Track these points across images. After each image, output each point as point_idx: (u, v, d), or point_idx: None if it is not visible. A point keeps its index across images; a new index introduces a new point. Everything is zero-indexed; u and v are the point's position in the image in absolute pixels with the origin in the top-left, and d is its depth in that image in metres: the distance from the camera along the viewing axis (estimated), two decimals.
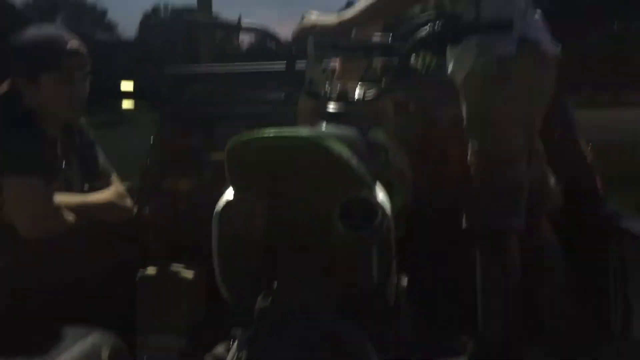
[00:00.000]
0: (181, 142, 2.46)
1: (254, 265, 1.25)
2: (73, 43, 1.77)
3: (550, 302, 1.85)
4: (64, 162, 1.84)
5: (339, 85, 1.55)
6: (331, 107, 1.47)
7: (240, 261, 1.24)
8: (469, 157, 1.74)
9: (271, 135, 1.11)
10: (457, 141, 1.79)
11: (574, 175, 2.05)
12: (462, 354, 1.81)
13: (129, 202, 1.96)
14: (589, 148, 2.12)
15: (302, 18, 1.59)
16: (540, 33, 1.70)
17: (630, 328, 1.66)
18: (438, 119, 2.17)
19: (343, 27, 1.57)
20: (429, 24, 1.48)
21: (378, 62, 1.76)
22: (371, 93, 1.53)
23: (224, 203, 1.20)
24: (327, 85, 1.53)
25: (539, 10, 1.76)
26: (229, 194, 1.20)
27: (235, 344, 1.22)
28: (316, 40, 1.53)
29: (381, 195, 1.20)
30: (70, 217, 1.70)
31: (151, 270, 1.98)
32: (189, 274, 1.96)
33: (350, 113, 1.46)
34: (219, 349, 1.52)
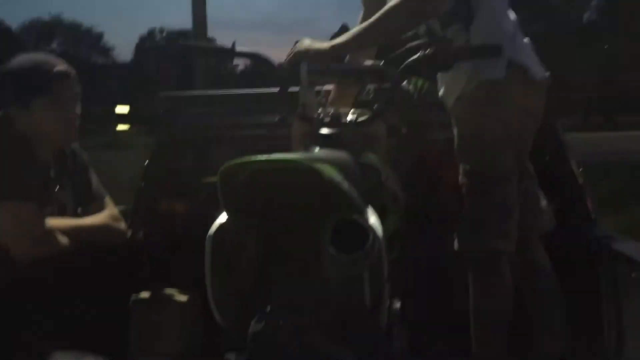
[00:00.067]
0: (175, 165, 2.47)
1: (247, 289, 1.25)
2: (61, 66, 1.78)
3: (544, 324, 1.85)
4: (57, 186, 1.84)
5: (332, 109, 1.57)
6: (324, 130, 1.49)
7: (233, 285, 1.24)
8: (459, 179, 1.75)
9: (263, 159, 1.13)
10: (449, 163, 1.80)
11: (565, 197, 2.07)
12: None
13: (122, 225, 1.96)
14: (580, 170, 2.14)
15: (296, 43, 1.61)
16: (529, 57, 1.73)
17: (623, 350, 1.66)
18: (430, 142, 2.19)
19: (335, 53, 1.59)
20: (420, 50, 1.50)
21: (371, 87, 1.79)
22: (364, 117, 1.54)
23: (217, 226, 1.20)
24: (320, 109, 1.55)
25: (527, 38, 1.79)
26: (222, 218, 1.21)
27: None
28: (309, 66, 1.55)
29: (373, 218, 1.21)
30: (63, 240, 1.71)
31: (145, 294, 1.97)
32: (182, 297, 1.95)
33: (342, 136, 1.47)
34: None
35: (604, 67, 34.09)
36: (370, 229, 1.11)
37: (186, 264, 1.80)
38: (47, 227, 1.67)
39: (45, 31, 49.00)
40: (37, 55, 1.81)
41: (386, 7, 1.58)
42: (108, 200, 1.98)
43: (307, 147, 1.46)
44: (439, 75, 1.81)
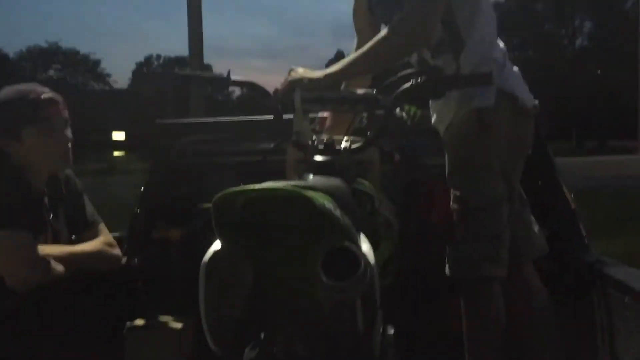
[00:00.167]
0: (171, 192, 2.48)
1: (241, 316, 1.26)
2: (47, 94, 1.79)
3: (537, 349, 1.85)
4: (50, 214, 1.85)
5: (326, 136, 1.59)
6: (318, 157, 1.50)
7: (227, 312, 1.24)
8: (451, 205, 1.77)
9: (256, 189, 1.15)
10: (442, 190, 1.82)
11: (558, 223, 2.08)
12: None
13: (117, 251, 1.96)
14: (572, 195, 2.16)
15: (290, 72, 1.64)
16: (518, 86, 1.76)
17: None
18: (423, 169, 2.21)
19: (329, 82, 1.62)
20: (412, 78, 1.53)
21: (364, 114, 1.81)
22: (357, 144, 1.56)
23: (211, 254, 1.21)
24: (314, 136, 1.57)
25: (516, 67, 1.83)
26: (216, 245, 1.22)
27: None
28: (303, 94, 1.57)
29: (365, 245, 1.22)
30: (58, 267, 1.71)
31: (139, 321, 1.96)
32: (176, 324, 1.95)
33: (336, 163, 1.49)
34: None
35: (597, 92, 34.43)
36: (362, 256, 1.12)
37: (180, 291, 1.79)
38: (41, 254, 1.67)
39: (43, 58, 49.27)
40: (22, 85, 1.82)
41: (378, 37, 1.61)
42: (102, 226, 1.98)
43: (301, 174, 1.48)
44: (431, 103, 1.84)
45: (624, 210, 7.51)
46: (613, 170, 15.34)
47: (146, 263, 2.24)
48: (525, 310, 1.85)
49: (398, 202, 1.70)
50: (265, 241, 1.21)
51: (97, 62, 51.29)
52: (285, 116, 1.63)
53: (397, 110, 1.88)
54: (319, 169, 1.46)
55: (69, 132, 1.84)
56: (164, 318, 1.97)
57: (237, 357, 1.26)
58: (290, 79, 1.61)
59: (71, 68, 50.01)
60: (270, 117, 1.66)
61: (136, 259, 2.21)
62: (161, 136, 2.54)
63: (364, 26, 1.91)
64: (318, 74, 1.61)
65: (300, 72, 1.62)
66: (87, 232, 1.93)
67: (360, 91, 1.65)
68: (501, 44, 1.80)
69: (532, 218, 1.90)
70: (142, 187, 2.47)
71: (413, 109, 2.01)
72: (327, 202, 1.15)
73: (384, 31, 1.61)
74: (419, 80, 1.51)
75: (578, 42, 43.05)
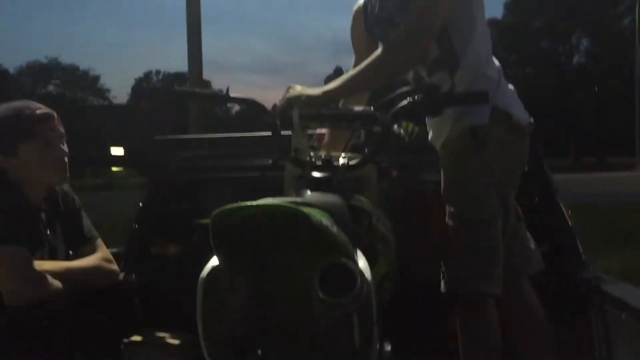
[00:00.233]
0: (169, 208, 2.49)
1: (238, 332, 1.26)
2: (42, 110, 1.81)
3: None
4: (48, 230, 1.85)
5: (323, 152, 1.60)
6: (316, 174, 1.51)
7: (224, 328, 1.25)
8: (446, 221, 1.77)
9: (253, 205, 1.16)
10: (440, 206, 1.83)
11: (555, 239, 2.09)
12: None
13: (114, 267, 1.96)
14: (569, 212, 2.17)
15: (288, 89, 1.65)
16: (513, 103, 1.78)
17: None
18: (420, 185, 2.21)
19: (327, 99, 1.63)
20: (409, 96, 1.54)
21: (362, 131, 1.83)
22: (355, 160, 1.57)
23: (209, 270, 1.22)
24: (312, 153, 1.58)
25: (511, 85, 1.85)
26: (214, 261, 1.23)
27: None
28: (301, 111, 1.58)
29: (362, 261, 1.23)
30: (54, 283, 1.71)
31: (136, 337, 1.96)
32: (174, 340, 1.94)
33: (334, 180, 1.50)
34: None
35: (594, 109, 34.61)
36: (358, 272, 1.13)
37: (178, 307, 1.79)
38: (38, 270, 1.68)
39: (42, 74, 49.46)
40: (16, 102, 1.83)
41: (374, 55, 1.63)
42: (100, 242, 1.98)
43: (299, 190, 1.49)
44: (427, 119, 1.86)
45: (621, 226, 7.51)
46: (611, 186, 15.38)
47: (144, 279, 2.24)
48: (522, 327, 1.85)
49: (395, 219, 1.71)
50: (263, 257, 1.21)
51: (96, 78, 51.54)
52: (284, 132, 1.65)
53: (395, 126, 1.90)
54: (316, 185, 1.47)
55: (65, 147, 1.85)
56: (162, 334, 1.97)
57: None
58: (288, 96, 1.63)
59: (71, 83, 50.17)
60: (269, 133, 1.68)
61: (134, 275, 2.21)
62: (160, 152, 2.55)
63: (361, 44, 1.94)
64: (316, 91, 1.63)
65: (299, 89, 1.64)
66: (84, 247, 1.93)
67: (358, 108, 1.67)
68: (496, 62, 1.82)
69: (529, 234, 1.90)
70: (141, 203, 2.47)
71: (410, 126, 2.03)
72: (324, 219, 1.16)
73: (380, 49, 1.63)
74: (416, 97, 1.53)
75: (575, 59, 43.43)
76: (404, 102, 1.54)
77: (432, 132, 1.87)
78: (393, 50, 1.62)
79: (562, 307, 1.92)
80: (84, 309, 1.81)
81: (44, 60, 49.13)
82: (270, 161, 1.79)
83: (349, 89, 1.68)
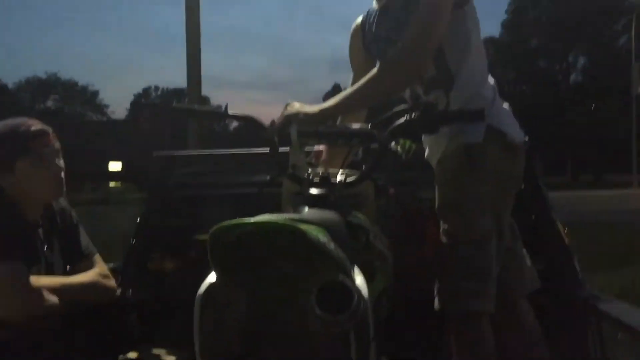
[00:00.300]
0: (167, 223, 2.49)
1: (235, 349, 1.26)
2: (37, 125, 1.82)
3: None
4: (45, 246, 1.85)
5: (321, 169, 1.61)
6: (313, 190, 1.52)
7: (221, 344, 1.24)
8: (441, 239, 1.78)
9: (250, 222, 1.16)
10: (436, 223, 1.83)
11: (551, 257, 2.09)
12: None
13: (112, 282, 1.96)
14: (566, 229, 2.17)
15: (286, 107, 1.66)
16: (507, 122, 1.79)
17: None
18: (418, 202, 2.22)
19: (324, 116, 1.64)
20: (407, 113, 1.56)
21: (359, 148, 1.84)
22: (352, 177, 1.58)
23: (207, 286, 1.22)
24: (309, 170, 1.59)
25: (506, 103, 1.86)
26: (211, 278, 1.23)
27: None
28: (299, 128, 1.59)
29: (359, 278, 1.23)
30: (51, 298, 1.70)
31: (133, 354, 1.95)
32: (171, 357, 1.94)
33: (331, 197, 1.51)
34: None
35: (591, 127, 34.76)
36: (355, 289, 1.13)
37: (175, 323, 1.79)
38: (35, 286, 1.68)
39: (41, 89, 49.59)
40: (10, 119, 1.85)
41: (371, 74, 1.64)
42: (98, 257, 1.98)
43: (296, 207, 1.49)
44: (424, 137, 1.87)
45: (619, 244, 7.51)
46: (608, 203, 15.41)
47: (141, 295, 2.23)
48: (519, 346, 1.85)
49: (392, 235, 1.71)
50: (260, 274, 1.22)
51: (95, 93, 51.74)
52: (282, 149, 1.66)
53: (392, 144, 1.91)
54: (314, 201, 1.48)
55: (61, 162, 1.86)
56: (158, 351, 1.96)
57: None
58: (286, 113, 1.64)
59: (69, 99, 50.31)
60: (267, 149, 1.69)
61: (131, 291, 2.20)
62: (158, 168, 2.56)
63: (359, 62, 1.95)
64: (314, 108, 1.64)
65: (297, 106, 1.64)
66: (82, 263, 1.93)
67: (355, 126, 1.68)
68: (491, 81, 1.84)
69: (525, 253, 1.90)
70: (138, 218, 2.47)
71: (408, 143, 2.04)
72: (321, 236, 1.16)
73: (377, 68, 1.65)
74: (413, 115, 1.54)
75: (572, 77, 43.68)
76: (401, 120, 1.55)
77: (428, 150, 1.88)
78: (390, 69, 1.64)
79: (558, 326, 1.92)
80: (81, 325, 1.81)
81: (43, 76, 49.32)
82: (268, 177, 1.80)
83: (347, 106, 1.69)
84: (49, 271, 1.82)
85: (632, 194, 21.19)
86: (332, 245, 1.17)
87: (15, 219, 1.76)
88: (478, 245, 1.70)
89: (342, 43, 2.11)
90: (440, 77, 1.74)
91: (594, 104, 35.96)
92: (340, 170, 1.63)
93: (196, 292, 1.23)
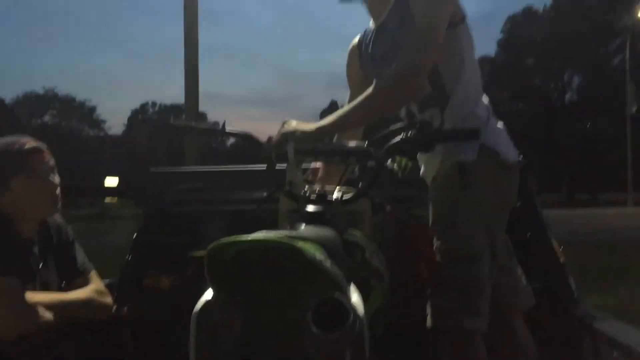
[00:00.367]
0: (163, 240, 2.48)
1: None
2: (32, 143, 1.83)
3: None
4: (40, 263, 1.85)
5: (318, 186, 1.62)
6: (310, 207, 1.53)
7: None
8: (434, 255, 1.78)
9: (248, 240, 1.17)
10: (432, 240, 1.84)
11: (546, 276, 2.10)
12: None
13: (108, 299, 1.95)
14: (561, 248, 2.18)
15: (283, 124, 1.68)
16: (501, 141, 1.80)
17: None
18: (414, 219, 2.23)
19: (321, 134, 1.66)
20: (402, 132, 1.57)
21: (356, 165, 1.85)
22: (349, 194, 1.59)
23: (203, 303, 1.22)
24: (306, 187, 1.60)
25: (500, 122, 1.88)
26: (208, 295, 1.23)
27: None
28: (296, 146, 1.60)
29: (355, 296, 1.23)
30: (46, 315, 1.70)
31: None
32: None
33: (328, 214, 1.51)
34: None
35: (586, 145, 34.93)
36: (351, 307, 1.13)
37: (171, 340, 1.78)
38: (30, 302, 1.67)
39: (39, 104, 49.62)
40: (5, 137, 1.86)
41: (367, 92, 1.65)
42: (93, 274, 1.98)
43: (293, 224, 1.50)
44: (419, 155, 1.88)
45: (614, 262, 7.52)
46: (603, 222, 15.43)
47: (136, 312, 2.22)
48: None
49: (389, 253, 1.72)
50: (257, 291, 1.22)
51: (92, 109, 51.74)
52: (279, 166, 1.66)
53: (389, 161, 1.93)
54: (310, 218, 1.48)
55: (56, 179, 1.87)
56: None
57: None
58: (283, 130, 1.65)
59: (67, 114, 50.33)
60: (264, 166, 1.69)
61: (126, 308, 2.19)
62: (155, 184, 2.56)
63: (356, 81, 1.97)
64: (311, 126, 1.65)
65: (294, 124, 1.66)
66: (77, 280, 1.93)
67: (352, 143, 1.69)
68: (485, 100, 1.85)
69: (520, 270, 1.91)
70: (135, 234, 2.47)
71: (404, 161, 2.05)
72: (318, 253, 1.17)
73: (372, 87, 1.66)
74: (410, 133, 1.55)
75: (567, 96, 43.98)
76: (398, 138, 1.57)
77: (424, 167, 1.90)
78: (385, 89, 1.65)
79: (553, 345, 1.92)
80: (75, 341, 1.80)
81: (40, 91, 49.38)
82: (265, 194, 1.80)
83: (343, 124, 1.71)
84: (44, 288, 1.82)
85: (628, 212, 21.24)
86: (328, 263, 1.18)
87: (10, 236, 1.76)
88: (471, 263, 1.70)
89: (339, 61, 2.13)
90: (435, 95, 1.76)
91: (589, 123, 36.17)
92: (337, 187, 1.63)
93: (192, 309, 1.23)
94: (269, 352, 1.26)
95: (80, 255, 1.99)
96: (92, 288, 1.92)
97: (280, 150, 1.62)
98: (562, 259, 2.14)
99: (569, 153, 34.91)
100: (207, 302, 1.22)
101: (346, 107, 1.71)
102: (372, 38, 1.88)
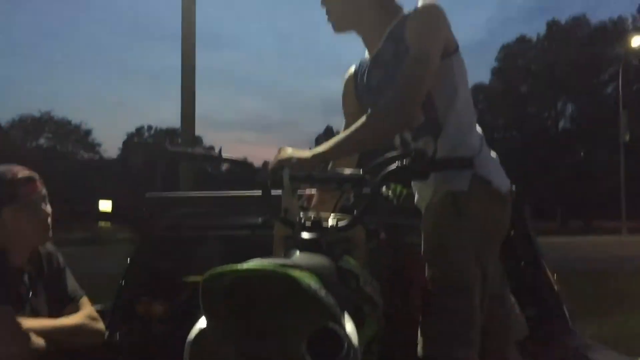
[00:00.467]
0: (157, 265, 2.47)
1: None
2: (24, 172, 1.84)
3: None
4: (30, 292, 1.85)
5: (313, 213, 1.62)
6: (305, 234, 1.53)
7: None
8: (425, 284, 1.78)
9: (242, 269, 1.17)
10: (423, 269, 1.84)
11: (540, 304, 2.09)
12: None
13: (100, 325, 1.94)
14: (555, 276, 2.18)
15: (279, 151, 1.69)
16: (493, 171, 1.81)
17: None
18: (409, 247, 2.23)
19: (316, 161, 1.67)
20: (397, 160, 1.58)
21: (351, 192, 1.85)
22: (344, 221, 1.59)
23: (197, 331, 1.21)
24: (301, 213, 1.60)
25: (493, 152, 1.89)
26: (202, 323, 1.23)
27: None
28: (291, 172, 1.61)
29: (349, 325, 1.23)
30: (39, 341, 1.69)
31: None
32: None
33: (323, 241, 1.51)
34: None
35: (580, 173, 35.10)
36: (345, 337, 1.13)
37: None
38: (21, 328, 1.66)
39: (34, 127, 49.61)
40: None
41: (362, 120, 1.67)
42: (85, 300, 1.97)
43: (288, 250, 1.50)
44: (413, 183, 1.89)
45: (609, 291, 7.50)
46: (598, 250, 15.43)
47: (128, 338, 2.20)
48: None
49: (383, 280, 1.71)
50: (251, 320, 1.22)
51: (88, 132, 51.70)
52: (274, 192, 1.67)
53: (384, 189, 1.93)
54: (305, 245, 1.48)
55: (47, 208, 1.88)
56: None
57: None
58: (279, 157, 1.66)
59: (62, 137, 50.29)
60: (259, 192, 1.70)
61: (119, 333, 2.18)
62: (150, 209, 2.56)
63: (352, 110, 1.99)
64: (306, 153, 1.66)
65: (289, 151, 1.67)
66: (68, 307, 1.91)
67: (347, 170, 1.70)
68: (478, 129, 1.87)
69: (513, 299, 1.90)
70: (128, 259, 2.46)
71: (399, 188, 2.06)
72: (313, 283, 1.17)
73: (367, 115, 1.68)
74: (404, 161, 1.56)
75: (561, 124, 44.29)
76: (393, 166, 1.58)
77: (418, 195, 1.90)
78: (379, 118, 1.67)
79: None
80: None
81: (36, 114, 49.40)
82: (260, 220, 1.80)
83: (338, 152, 1.72)
84: (34, 317, 1.81)
85: (622, 240, 21.26)
86: (323, 292, 1.17)
87: (1, 265, 1.76)
88: (462, 292, 1.70)
89: (334, 87, 2.16)
90: (428, 124, 1.78)
91: (582, 151, 36.40)
92: (332, 214, 1.64)
93: (185, 335, 1.22)
94: None
95: (71, 282, 1.98)
96: (85, 313, 1.91)
97: (275, 177, 1.63)
98: (556, 287, 2.14)
99: (563, 181, 35.05)
100: (201, 331, 1.21)
101: (341, 135, 1.72)
102: (367, 69, 1.90)
